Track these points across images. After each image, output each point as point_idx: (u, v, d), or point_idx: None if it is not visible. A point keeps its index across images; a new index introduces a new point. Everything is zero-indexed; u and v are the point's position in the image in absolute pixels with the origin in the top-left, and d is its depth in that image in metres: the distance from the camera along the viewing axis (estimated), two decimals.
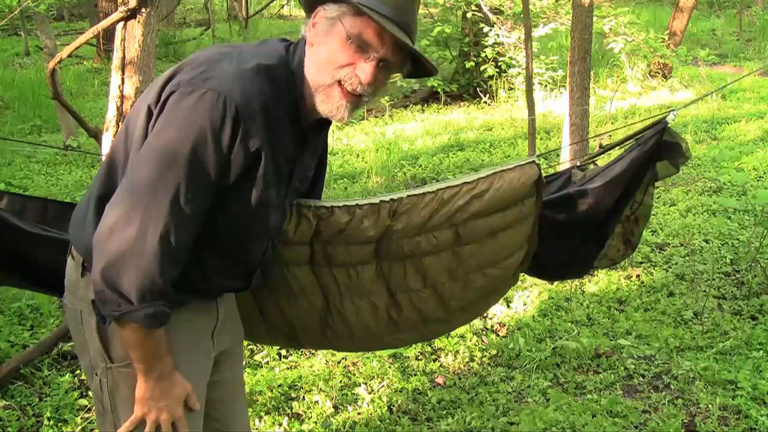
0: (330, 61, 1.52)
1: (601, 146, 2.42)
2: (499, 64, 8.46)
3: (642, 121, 2.40)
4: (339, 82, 1.52)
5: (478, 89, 8.71)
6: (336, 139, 6.98)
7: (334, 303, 2.01)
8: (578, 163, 2.40)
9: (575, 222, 2.21)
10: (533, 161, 1.99)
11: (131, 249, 1.40)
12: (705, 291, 3.86)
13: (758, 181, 5.47)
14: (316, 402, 2.98)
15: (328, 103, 1.54)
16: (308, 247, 1.90)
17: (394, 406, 2.98)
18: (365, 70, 1.51)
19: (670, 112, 2.17)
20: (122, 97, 3.07)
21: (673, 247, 4.43)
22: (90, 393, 2.79)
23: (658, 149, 2.16)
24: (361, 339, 2.12)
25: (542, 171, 2.01)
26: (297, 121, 1.58)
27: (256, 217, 1.58)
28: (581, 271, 2.68)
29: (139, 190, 1.42)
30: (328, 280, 1.97)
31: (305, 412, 2.94)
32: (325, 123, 1.70)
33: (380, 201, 1.87)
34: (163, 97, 1.46)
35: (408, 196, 1.90)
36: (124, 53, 3.02)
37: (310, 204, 1.83)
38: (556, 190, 2.31)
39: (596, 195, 2.17)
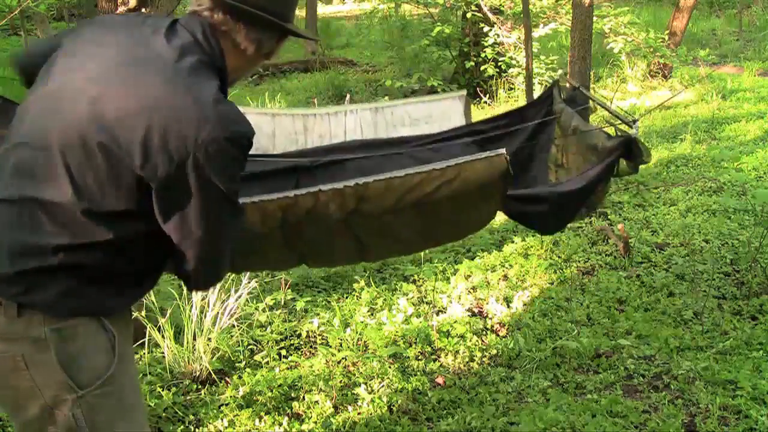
0: None
1: (575, 88, 2.82)
2: (499, 64, 8.47)
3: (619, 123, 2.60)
4: None
5: (478, 89, 8.71)
6: None
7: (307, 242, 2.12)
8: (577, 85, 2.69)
9: (541, 211, 2.39)
10: (502, 153, 2.04)
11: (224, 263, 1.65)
12: (705, 291, 3.86)
13: (758, 181, 5.47)
14: (316, 402, 2.98)
15: None
16: (280, 230, 1.99)
17: (394, 406, 2.98)
18: None
19: (633, 122, 2.40)
20: None
21: (673, 247, 4.43)
22: None
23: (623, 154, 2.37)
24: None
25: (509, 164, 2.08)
26: None
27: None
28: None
29: (210, 241, 1.54)
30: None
31: (305, 412, 2.95)
32: None
33: (344, 186, 1.92)
34: (192, 150, 1.44)
35: (374, 180, 1.94)
36: None
37: (273, 197, 1.89)
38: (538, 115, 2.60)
39: (563, 197, 2.35)
